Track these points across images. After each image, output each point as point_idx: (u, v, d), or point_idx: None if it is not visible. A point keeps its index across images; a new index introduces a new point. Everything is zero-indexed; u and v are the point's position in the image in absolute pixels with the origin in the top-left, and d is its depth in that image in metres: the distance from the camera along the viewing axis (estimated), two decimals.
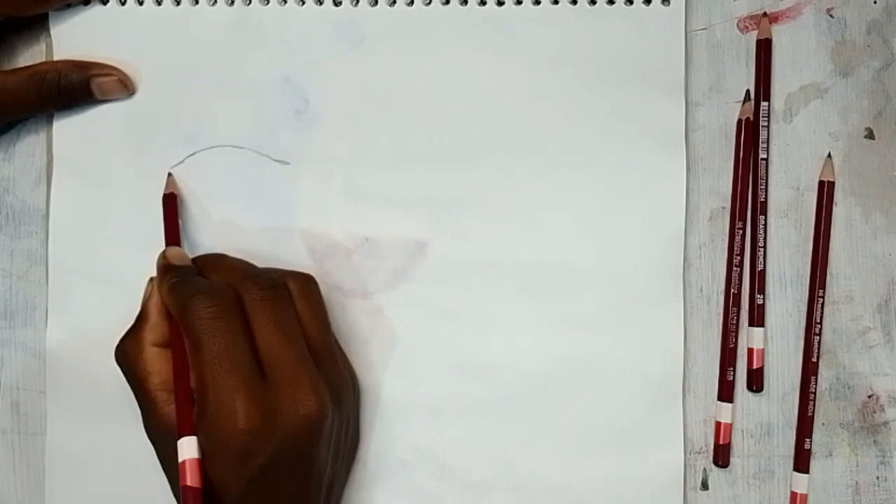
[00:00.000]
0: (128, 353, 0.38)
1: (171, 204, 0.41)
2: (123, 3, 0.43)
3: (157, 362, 0.37)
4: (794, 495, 0.42)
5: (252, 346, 0.36)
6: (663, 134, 0.42)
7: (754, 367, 0.42)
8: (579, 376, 0.42)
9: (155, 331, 0.38)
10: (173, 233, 0.41)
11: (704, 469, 0.43)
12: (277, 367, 0.36)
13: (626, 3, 0.42)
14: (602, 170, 0.42)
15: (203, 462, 0.35)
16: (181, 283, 0.37)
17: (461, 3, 0.43)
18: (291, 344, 0.37)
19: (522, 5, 0.42)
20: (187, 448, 0.35)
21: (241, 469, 0.35)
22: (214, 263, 0.39)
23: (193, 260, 0.39)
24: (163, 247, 0.41)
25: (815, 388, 0.42)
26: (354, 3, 0.43)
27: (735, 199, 0.43)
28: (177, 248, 0.40)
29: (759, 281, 0.42)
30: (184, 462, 0.35)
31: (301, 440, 0.36)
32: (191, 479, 0.34)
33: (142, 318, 0.38)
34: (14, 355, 0.43)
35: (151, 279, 0.39)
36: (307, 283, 0.39)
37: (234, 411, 0.35)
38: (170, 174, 0.42)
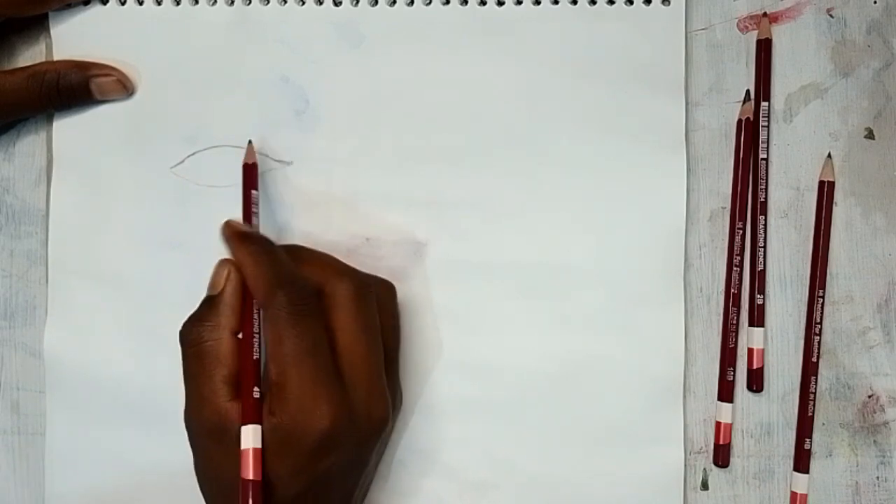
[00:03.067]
0: (203, 338, 0.36)
1: (251, 174, 0.40)
2: (123, 3, 0.43)
3: (230, 353, 0.35)
4: (794, 495, 0.42)
5: (333, 346, 0.36)
6: (663, 134, 0.42)
7: (754, 367, 0.42)
8: (579, 376, 0.42)
9: (234, 317, 0.36)
10: (247, 209, 0.39)
11: (704, 469, 0.43)
12: (357, 371, 0.35)
13: (626, 3, 0.42)
14: (602, 170, 0.42)
15: (265, 456, 0.34)
16: (266, 257, 0.36)
17: (461, 3, 0.43)
18: (374, 350, 0.36)
19: (522, 5, 0.42)
20: (252, 437, 0.34)
21: (309, 468, 0.34)
22: (298, 254, 0.38)
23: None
24: (165, 247, 0.41)
25: (815, 388, 0.42)
26: (354, 3, 0.43)
27: (735, 199, 0.43)
28: (237, 221, 0.38)
29: (759, 281, 0.42)
30: (247, 450, 0.34)
31: (367, 444, 0.36)
32: (254, 471, 0.34)
33: (219, 301, 0.36)
34: (14, 355, 0.43)
35: (224, 260, 0.37)
36: (389, 290, 0.39)
37: (319, 411, 0.34)
38: (250, 142, 0.41)
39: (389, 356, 0.38)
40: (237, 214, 0.42)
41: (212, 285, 0.37)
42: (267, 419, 0.34)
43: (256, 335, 0.36)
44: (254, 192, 0.39)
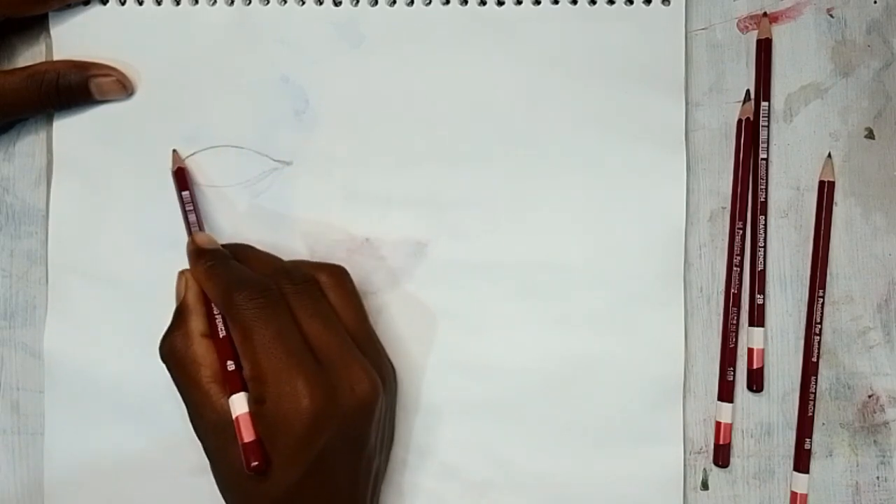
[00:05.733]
0: (177, 348, 0.37)
1: (183, 179, 0.41)
2: (123, 3, 0.43)
3: (206, 354, 0.37)
4: (794, 495, 0.42)
5: (301, 333, 0.36)
6: (663, 134, 0.42)
7: (754, 367, 0.42)
8: (579, 376, 0.42)
9: (201, 320, 0.37)
10: (196, 217, 0.41)
11: (704, 469, 0.43)
12: (326, 352, 0.36)
13: (626, 3, 0.42)
14: (602, 170, 0.42)
15: (264, 448, 0.35)
16: (219, 269, 0.37)
17: (461, 3, 0.43)
18: (334, 331, 0.37)
19: (522, 5, 0.42)
20: (238, 405, 0.35)
21: (304, 451, 0.35)
22: (244, 254, 0.39)
23: (223, 247, 0.39)
24: (165, 247, 0.40)
25: (815, 388, 0.42)
26: (354, 3, 0.43)
27: (735, 199, 0.43)
28: (204, 233, 0.40)
29: (759, 281, 0.42)
30: (237, 417, 0.35)
31: (358, 420, 0.36)
32: (247, 434, 0.35)
33: (184, 310, 0.38)
34: (14, 355, 0.43)
35: (182, 272, 0.39)
36: (338, 274, 0.39)
37: (297, 391, 0.35)
38: (174, 151, 0.42)
39: (361, 335, 0.38)
40: (237, 214, 0.42)
41: (176, 296, 0.39)
42: (253, 409, 0.35)
43: (218, 316, 0.37)
44: (184, 193, 0.41)
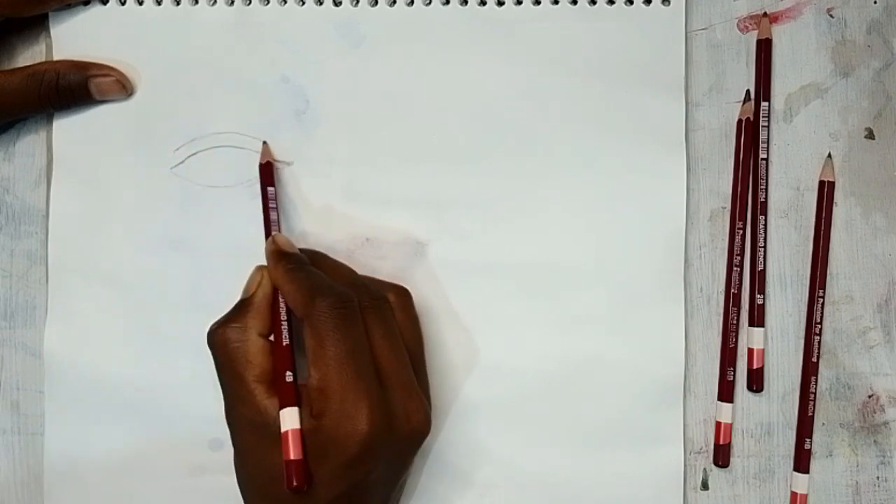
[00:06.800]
0: (231, 339, 0.36)
1: (269, 174, 0.41)
2: (123, 3, 0.43)
3: (258, 353, 0.36)
4: (794, 495, 0.42)
5: (371, 351, 0.36)
6: (663, 134, 0.42)
7: (754, 367, 0.42)
8: (579, 376, 0.42)
9: (262, 320, 0.37)
10: (277, 215, 0.40)
11: (704, 469, 0.43)
12: (390, 376, 0.36)
13: (626, 3, 0.42)
14: (602, 170, 0.42)
15: (308, 467, 0.34)
16: (301, 274, 0.37)
17: (461, 3, 0.43)
18: (400, 356, 0.37)
19: (522, 5, 0.42)
20: (289, 419, 0.34)
21: (351, 472, 0.34)
22: (320, 262, 0.39)
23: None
24: (165, 247, 0.40)
25: (815, 388, 0.42)
26: (354, 3, 0.43)
27: (735, 199, 0.43)
28: (283, 235, 0.40)
29: (759, 281, 0.42)
30: (286, 432, 0.34)
31: (406, 450, 0.36)
32: (294, 451, 0.34)
33: (250, 305, 0.37)
34: (14, 355, 0.43)
35: (259, 267, 0.38)
36: (405, 296, 0.39)
37: (359, 415, 0.34)
38: (265, 143, 0.42)
39: (417, 362, 0.38)
40: (237, 214, 0.42)
41: (245, 290, 0.38)
42: (308, 422, 0.35)
43: (284, 322, 0.37)
44: (270, 188, 0.40)
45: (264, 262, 0.39)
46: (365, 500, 0.36)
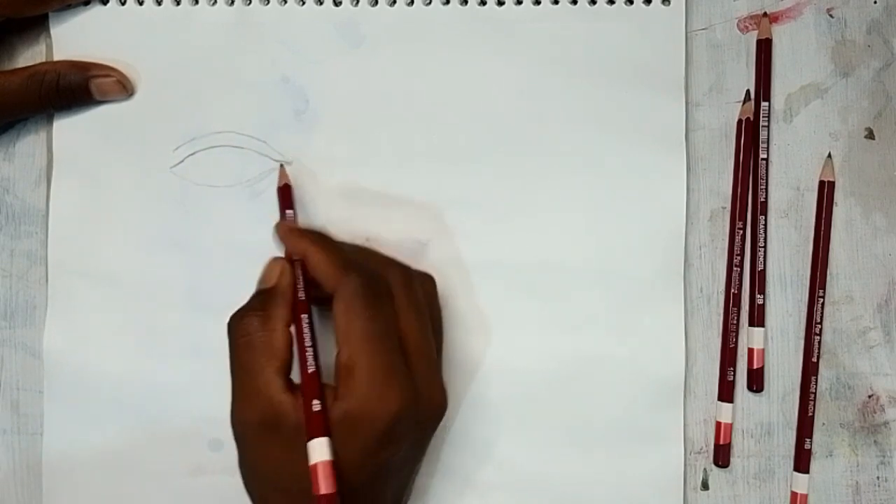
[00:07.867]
0: (253, 328, 0.35)
1: (287, 197, 0.41)
2: (123, 4, 0.43)
3: (284, 346, 0.34)
4: (794, 495, 0.42)
5: (399, 329, 0.35)
6: (663, 134, 0.42)
7: (754, 367, 0.42)
8: (579, 376, 0.42)
9: (288, 310, 0.35)
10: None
11: (704, 469, 0.43)
12: (416, 356, 0.35)
13: (626, 3, 0.42)
14: (602, 170, 0.42)
15: (334, 443, 0.33)
16: (332, 246, 0.36)
17: (461, 3, 0.43)
18: (427, 337, 0.36)
19: (522, 5, 0.42)
20: (319, 450, 0.33)
21: (376, 454, 0.34)
22: (345, 246, 0.38)
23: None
24: (164, 247, 0.40)
25: (815, 388, 0.42)
26: (354, 3, 0.43)
27: (735, 199, 0.43)
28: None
29: (759, 281, 0.42)
30: (315, 465, 0.32)
31: (427, 430, 0.36)
32: (325, 485, 0.32)
33: (275, 294, 0.36)
34: (14, 355, 0.43)
35: (276, 258, 0.37)
36: (432, 282, 0.39)
37: (389, 396, 0.33)
38: (282, 166, 0.42)
39: (438, 345, 0.38)
40: (237, 214, 0.42)
41: (263, 280, 0.37)
42: (335, 406, 0.33)
43: (310, 349, 0.35)
44: (288, 212, 0.40)
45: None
46: (389, 484, 0.35)
